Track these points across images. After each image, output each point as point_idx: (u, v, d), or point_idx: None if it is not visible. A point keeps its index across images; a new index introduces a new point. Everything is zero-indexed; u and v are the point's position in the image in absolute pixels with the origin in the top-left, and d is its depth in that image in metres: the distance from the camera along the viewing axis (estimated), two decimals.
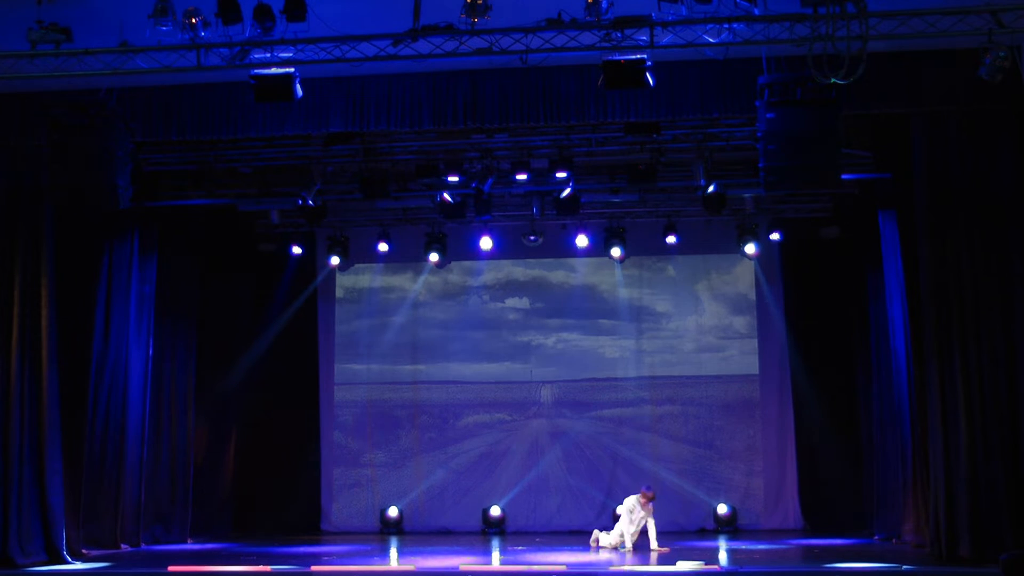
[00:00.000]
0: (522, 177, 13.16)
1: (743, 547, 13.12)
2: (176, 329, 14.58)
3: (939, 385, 10.81)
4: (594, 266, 16.27)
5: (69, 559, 11.69)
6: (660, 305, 16.23)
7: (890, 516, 13.16)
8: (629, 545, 12.79)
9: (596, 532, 13.46)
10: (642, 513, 12.82)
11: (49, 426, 11.69)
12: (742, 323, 16.04)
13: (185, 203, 13.92)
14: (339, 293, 16.70)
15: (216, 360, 15.40)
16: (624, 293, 16.28)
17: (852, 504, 14.65)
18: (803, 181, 10.48)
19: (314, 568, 11.11)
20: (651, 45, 9.87)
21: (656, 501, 13.06)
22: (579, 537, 14.57)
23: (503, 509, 15.47)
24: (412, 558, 12.47)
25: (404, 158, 13.29)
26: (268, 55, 10.26)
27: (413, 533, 15.50)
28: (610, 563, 11.71)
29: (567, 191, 13.49)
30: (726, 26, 9.82)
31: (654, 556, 12.21)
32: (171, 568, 11.05)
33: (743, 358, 15.94)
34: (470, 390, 16.32)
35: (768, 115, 10.02)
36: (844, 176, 10.61)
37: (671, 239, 15.04)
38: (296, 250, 16.02)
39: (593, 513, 15.51)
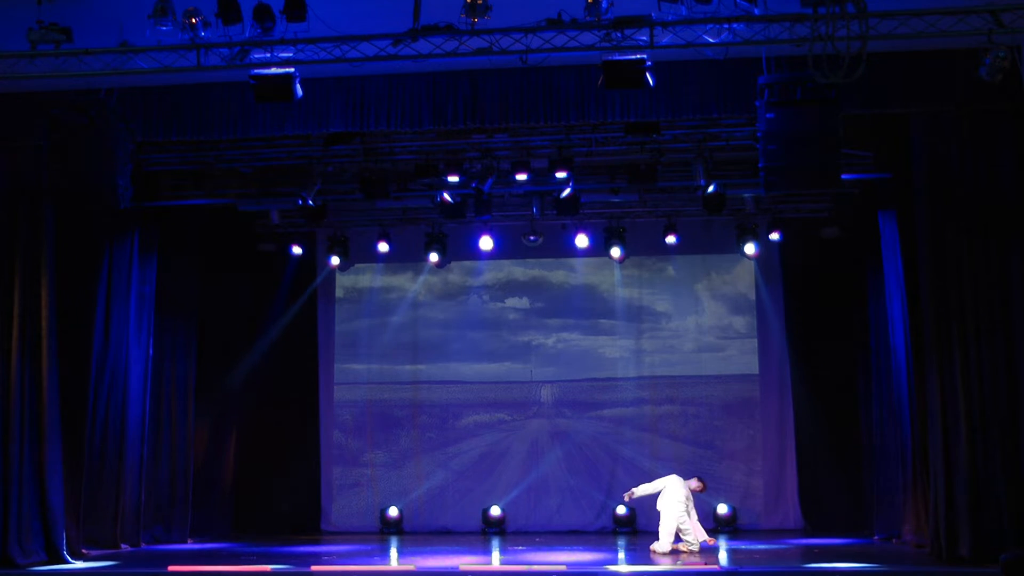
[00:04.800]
0: (522, 177, 13.15)
1: (743, 547, 13.12)
2: (176, 329, 14.58)
3: (939, 385, 10.81)
4: (594, 266, 16.27)
5: (69, 559, 11.69)
6: (660, 305, 16.22)
7: (890, 516, 13.16)
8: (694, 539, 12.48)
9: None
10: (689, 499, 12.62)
11: (49, 426, 11.69)
12: (742, 323, 16.03)
13: (185, 203, 13.93)
14: (339, 293, 16.71)
15: (216, 360, 15.39)
16: (624, 293, 16.27)
17: (852, 504, 14.65)
18: (803, 181, 10.48)
19: (314, 568, 11.11)
20: (651, 45, 9.87)
21: (652, 500, 12.96)
22: (579, 537, 14.60)
23: (503, 509, 15.47)
24: (412, 558, 12.48)
25: (404, 158, 13.28)
26: (268, 55, 10.26)
27: (413, 533, 15.50)
28: (610, 563, 11.70)
29: (567, 191, 13.49)
30: (726, 26, 9.82)
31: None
32: (171, 568, 11.05)
33: (743, 358, 15.93)
34: (470, 390, 16.32)
35: (768, 115, 10.03)
36: (844, 176, 10.60)
37: (671, 239, 15.03)
38: (296, 250, 16.02)
39: (593, 513, 15.51)
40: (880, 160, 12.17)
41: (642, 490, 12.81)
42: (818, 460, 15.25)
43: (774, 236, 15.28)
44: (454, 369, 16.38)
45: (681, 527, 12.42)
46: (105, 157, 10.53)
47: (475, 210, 13.88)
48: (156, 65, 10.33)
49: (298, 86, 10.21)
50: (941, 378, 10.80)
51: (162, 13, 9.96)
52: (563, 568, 11.04)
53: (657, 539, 12.48)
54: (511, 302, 16.50)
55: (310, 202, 13.61)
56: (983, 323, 10.74)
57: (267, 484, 15.79)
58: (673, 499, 12.54)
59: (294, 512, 15.84)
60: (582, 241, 15.27)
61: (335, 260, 15.90)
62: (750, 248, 15.12)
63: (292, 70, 10.17)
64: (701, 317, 16.12)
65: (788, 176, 10.18)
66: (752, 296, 16.02)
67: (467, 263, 16.41)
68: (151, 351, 13.83)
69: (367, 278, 16.67)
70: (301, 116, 11.16)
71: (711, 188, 13.00)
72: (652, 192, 14.29)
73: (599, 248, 15.40)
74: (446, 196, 13.71)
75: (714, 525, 15.12)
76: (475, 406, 16.24)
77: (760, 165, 10.15)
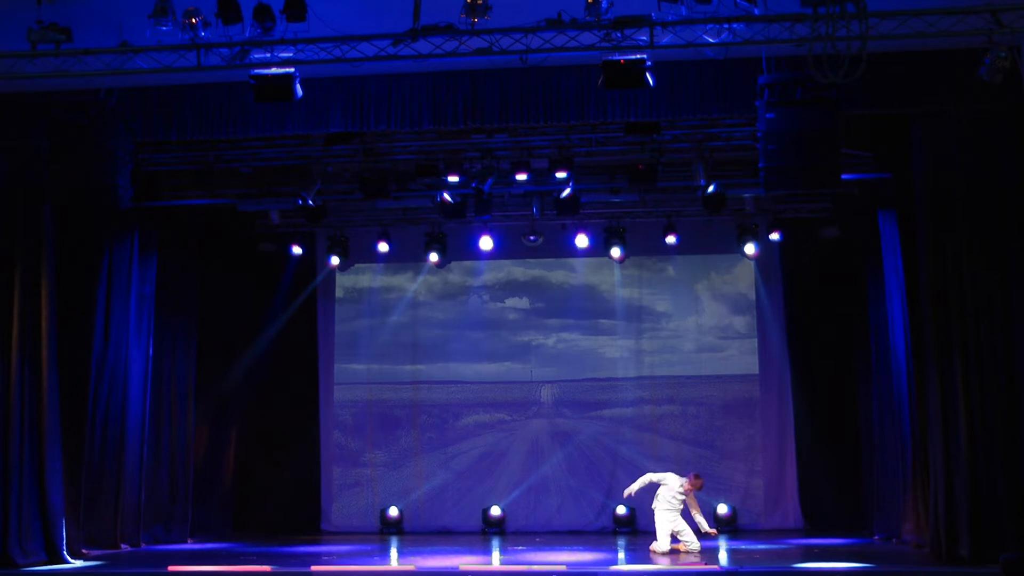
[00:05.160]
0: (522, 177, 13.15)
1: (743, 547, 13.12)
2: (176, 329, 14.58)
3: (939, 385, 10.81)
4: (594, 266, 16.27)
5: (69, 559, 11.70)
6: (660, 305, 16.23)
7: (890, 516, 13.16)
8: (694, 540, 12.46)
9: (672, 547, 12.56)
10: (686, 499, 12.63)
11: (49, 426, 11.69)
12: (742, 323, 16.03)
13: (185, 203, 13.93)
14: (339, 293, 16.71)
15: (216, 360, 15.40)
16: (624, 293, 16.27)
17: (852, 504, 14.66)
18: (803, 181, 10.47)
19: (314, 568, 11.11)
20: (651, 45, 9.87)
21: (652, 500, 12.95)
22: (579, 537, 14.59)
23: (503, 509, 15.47)
24: (412, 558, 12.48)
25: (404, 158, 13.28)
26: (268, 55, 10.26)
27: (413, 533, 15.50)
28: (610, 563, 11.70)
29: (567, 191, 13.49)
30: (726, 26, 9.82)
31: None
32: (171, 568, 11.05)
33: (743, 358, 15.93)
34: (470, 390, 16.33)
35: (768, 115, 10.03)
36: (844, 176, 10.60)
37: (671, 239, 15.03)
38: (296, 250, 16.02)
39: (593, 513, 15.52)
40: (880, 160, 12.17)
41: (638, 484, 12.72)
42: (818, 460, 15.25)
43: (774, 236, 15.28)
44: (454, 369, 16.39)
45: (675, 529, 12.39)
46: (105, 157, 10.53)
47: (475, 210, 13.88)
48: (156, 65, 10.32)
49: (298, 86, 10.21)
50: (941, 378, 10.80)
51: (162, 13, 9.95)
52: (563, 568, 11.04)
53: (656, 539, 12.47)
54: (511, 302, 16.50)
55: (310, 202, 13.62)
56: (983, 323, 10.74)
57: (267, 484, 15.80)
58: (664, 503, 12.50)
59: (294, 512, 15.84)
60: (582, 241, 15.28)
61: (335, 260, 15.90)
62: (750, 248, 15.12)
63: (292, 70, 10.17)
64: (701, 317, 16.12)
65: (788, 176, 10.18)
66: (752, 296, 16.02)
67: (467, 263, 16.41)
68: (151, 351, 13.83)
69: (367, 278, 16.67)
70: (301, 116, 11.15)
71: (711, 188, 13.00)
72: (652, 192, 14.28)
73: (599, 248, 15.40)
74: (446, 196, 13.71)
75: (714, 525, 15.07)
76: (475, 406, 16.24)
77: (760, 165, 10.15)
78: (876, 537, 13.43)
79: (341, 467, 16.19)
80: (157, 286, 13.91)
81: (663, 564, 11.53)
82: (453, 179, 13.16)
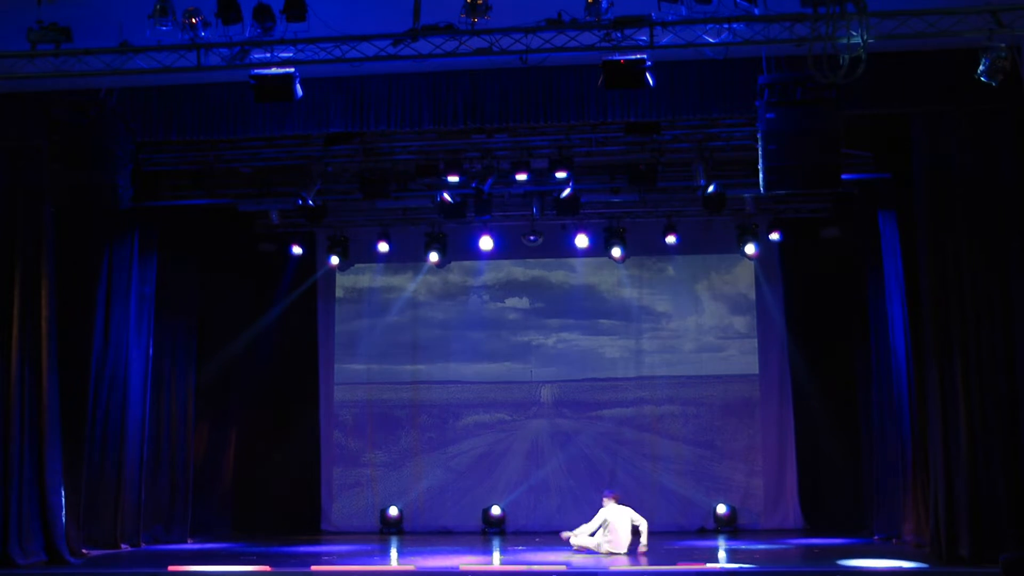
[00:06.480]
0: (522, 177, 13.15)
1: (743, 547, 13.12)
2: (176, 329, 14.59)
3: (939, 385, 10.81)
4: (594, 266, 16.28)
5: (69, 559, 11.70)
6: (660, 305, 16.23)
7: (890, 516, 13.16)
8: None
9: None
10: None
11: (49, 426, 11.70)
12: (742, 323, 16.04)
13: (185, 203, 13.92)
14: (339, 293, 16.71)
15: (216, 360, 15.40)
16: (624, 293, 16.28)
17: (852, 504, 14.66)
18: (803, 181, 10.47)
19: (314, 568, 11.12)
20: (651, 45, 9.87)
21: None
22: None
23: (503, 509, 15.47)
24: (412, 558, 12.48)
25: (404, 158, 13.29)
26: (268, 55, 10.26)
27: (413, 533, 15.51)
28: (610, 563, 11.70)
29: (567, 191, 13.50)
30: (726, 26, 9.82)
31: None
32: (171, 568, 11.06)
33: (743, 358, 15.93)
34: (470, 390, 16.33)
35: (768, 115, 10.03)
36: (844, 176, 10.60)
37: (671, 239, 15.03)
38: (296, 250, 16.02)
39: (592, 513, 15.45)
40: (880, 160, 12.17)
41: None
42: (818, 460, 15.26)
43: (774, 236, 15.28)
44: (454, 369, 16.39)
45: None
46: (105, 157, 10.53)
47: (475, 210, 13.89)
48: (156, 65, 10.32)
49: (298, 86, 10.21)
50: (941, 378, 10.81)
51: (162, 13, 9.95)
52: (563, 568, 11.04)
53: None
54: (511, 302, 16.51)
55: (310, 202, 13.62)
56: (983, 323, 10.75)
57: (267, 484, 15.80)
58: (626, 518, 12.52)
59: (294, 512, 15.84)
60: (582, 241, 15.28)
61: (335, 260, 15.90)
62: (750, 248, 15.13)
63: (292, 70, 10.16)
64: (701, 317, 16.13)
65: (788, 176, 10.19)
66: (752, 296, 16.03)
67: (467, 263, 16.42)
68: (151, 351, 13.82)
69: (367, 278, 16.67)
70: (301, 116, 11.16)
71: (711, 188, 13.01)
72: (652, 192, 14.27)
73: (599, 248, 15.41)
74: (446, 196, 13.71)
75: (714, 525, 15.15)
76: (475, 406, 16.25)
77: (760, 165, 10.15)
78: (876, 537, 13.43)
79: (341, 467, 16.19)
80: (157, 286, 13.91)
81: (663, 565, 11.49)
82: (453, 179, 13.15)
